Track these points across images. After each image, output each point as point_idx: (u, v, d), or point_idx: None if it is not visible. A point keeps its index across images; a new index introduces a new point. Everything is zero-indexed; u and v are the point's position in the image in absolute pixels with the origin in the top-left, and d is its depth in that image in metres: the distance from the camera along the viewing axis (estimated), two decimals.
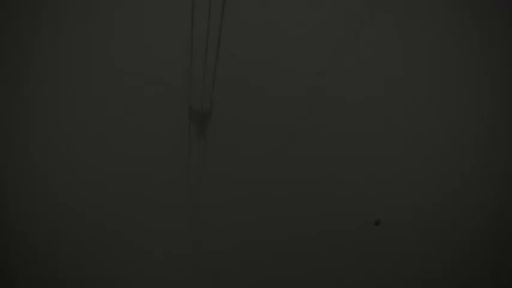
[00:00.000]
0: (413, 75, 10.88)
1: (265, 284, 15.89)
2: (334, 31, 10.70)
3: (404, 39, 10.64)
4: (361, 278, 13.00)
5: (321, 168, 13.40)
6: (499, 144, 11.78)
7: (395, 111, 11.83)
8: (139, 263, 12.82)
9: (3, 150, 11.06)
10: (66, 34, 10.19)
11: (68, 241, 11.42)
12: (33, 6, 9.61)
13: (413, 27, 10.46)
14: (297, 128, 12.81)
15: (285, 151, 13.12)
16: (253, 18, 10.59)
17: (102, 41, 10.56)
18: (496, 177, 12.14)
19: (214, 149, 12.39)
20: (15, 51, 10.26)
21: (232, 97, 11.70)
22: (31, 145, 11.49)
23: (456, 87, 10.87)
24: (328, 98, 11.62)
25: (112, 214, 11.87)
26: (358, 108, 11.59)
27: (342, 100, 11.73)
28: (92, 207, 11.69)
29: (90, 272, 11.82)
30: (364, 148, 12.38)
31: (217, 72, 10.02)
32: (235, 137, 12.34)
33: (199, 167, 11.82)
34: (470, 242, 12.14)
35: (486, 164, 11.94)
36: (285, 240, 15.13)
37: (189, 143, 10.23)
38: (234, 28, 10.68)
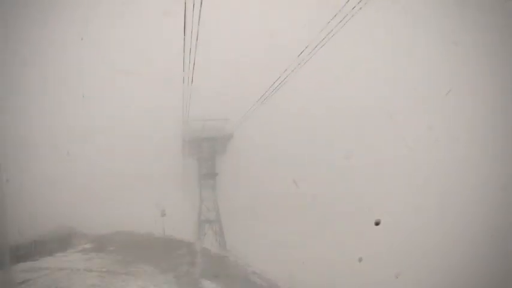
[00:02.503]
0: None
1: None
2: None
3: None
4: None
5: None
6: (501, 143, 11.64)
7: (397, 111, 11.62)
8: None
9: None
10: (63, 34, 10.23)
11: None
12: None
13: None
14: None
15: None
16: None
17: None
18: (500, 177, 12.00)
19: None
20: (14, 51, 10.35)
21: None
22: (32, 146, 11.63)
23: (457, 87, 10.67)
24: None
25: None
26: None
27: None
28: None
29: None
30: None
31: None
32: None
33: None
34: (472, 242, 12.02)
35: (490, 164, 11.81)
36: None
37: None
38: None
